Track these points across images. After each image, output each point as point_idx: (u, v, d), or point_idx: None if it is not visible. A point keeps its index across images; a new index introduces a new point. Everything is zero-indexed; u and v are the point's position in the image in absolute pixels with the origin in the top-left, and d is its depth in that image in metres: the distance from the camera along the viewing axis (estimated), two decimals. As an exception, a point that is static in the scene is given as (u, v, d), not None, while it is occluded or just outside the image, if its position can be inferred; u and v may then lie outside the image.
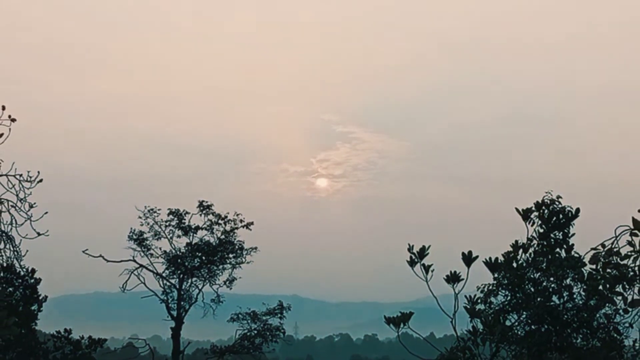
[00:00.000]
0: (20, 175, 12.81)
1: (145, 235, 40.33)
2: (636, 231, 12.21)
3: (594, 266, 13.39)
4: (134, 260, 39.82)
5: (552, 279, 18.96)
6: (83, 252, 37.62)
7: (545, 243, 19.35)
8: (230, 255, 40.72)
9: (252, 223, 41.00)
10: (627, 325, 17.16)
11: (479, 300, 19.15)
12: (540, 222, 19.49)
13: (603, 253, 12.66)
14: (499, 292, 19.15)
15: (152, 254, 40.33)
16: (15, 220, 12.68)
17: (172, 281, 40.24)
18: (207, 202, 41.02)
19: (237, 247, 40.71)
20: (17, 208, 12.67)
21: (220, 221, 40.72)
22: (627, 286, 13.03)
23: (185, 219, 40.68)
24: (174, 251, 40.38)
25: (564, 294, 18.88)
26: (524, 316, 18.96)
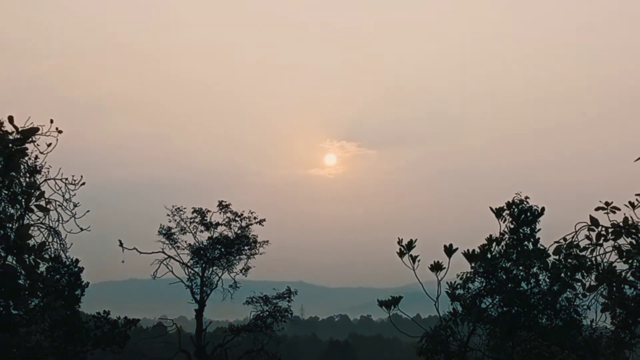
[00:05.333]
0: (66, 178, 12.80)
1: (172, 231, 40.23)
2: (593, 227, 12.33)
3: (557, 257, 13.41)
4: (163, 252, 39.71)
5: (521, 267, 18.96)
6: (119, 244, 37.55)
7: (515, 237, 19.35)
8: (246, 248, 40.59)
9: (264, 220, 40.96)
10: (585, 307, 17.16)
11: (459, 286, 19.15)
12: (510, 219, 19.50)
13: (565, 245, 12.72)
14: (476, 279, 19.16)
15: (178, 247, 40.23)
16: (62, 218, 12.67)
17: (196, 270, 40.14)
18: (225, 201, 40.96)
19: (251, 240, 40.57)
20: (63, 207, 12.67)
21: (237, 218, 40.63)
22: (585, 274, 13.09)
23: (207, 217, 40.58)
24: (197, 244, 40.27)
25: (531, 281, 18.88)
26: (497, 300, 18.97)
